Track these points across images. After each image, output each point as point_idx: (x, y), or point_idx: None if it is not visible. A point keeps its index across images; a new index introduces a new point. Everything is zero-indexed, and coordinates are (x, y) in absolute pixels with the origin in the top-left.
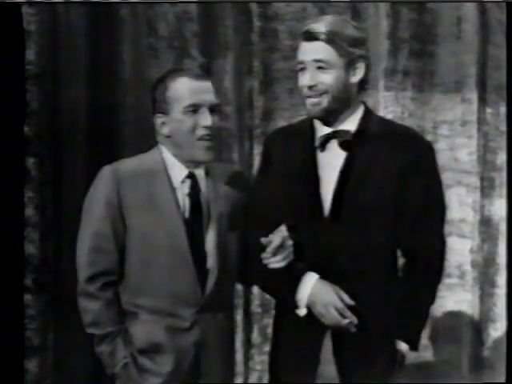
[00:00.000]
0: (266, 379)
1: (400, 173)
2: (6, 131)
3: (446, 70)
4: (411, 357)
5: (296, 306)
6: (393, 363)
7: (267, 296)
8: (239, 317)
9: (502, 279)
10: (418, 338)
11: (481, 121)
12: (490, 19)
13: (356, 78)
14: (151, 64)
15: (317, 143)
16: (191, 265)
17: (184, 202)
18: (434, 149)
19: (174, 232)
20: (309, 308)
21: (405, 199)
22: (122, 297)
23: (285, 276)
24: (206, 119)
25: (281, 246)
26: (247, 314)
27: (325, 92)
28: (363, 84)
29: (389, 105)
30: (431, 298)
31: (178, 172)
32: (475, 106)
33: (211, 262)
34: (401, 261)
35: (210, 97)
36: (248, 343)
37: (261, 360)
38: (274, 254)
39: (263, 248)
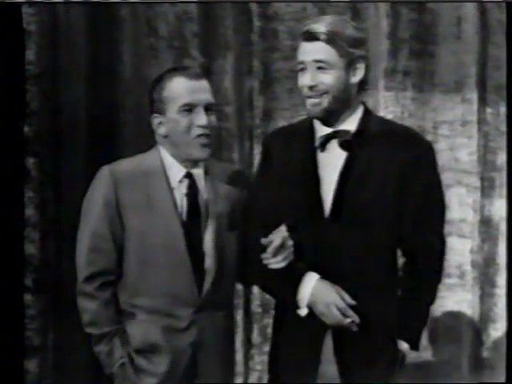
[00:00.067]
0: (266, 379)
1: (400, 173)
2: (6, 131)
3: (446, 70)
4: (411, 357)
5: (297, 306)
6: (394, 363)
7: (267, 296)
8: (239, 317)
9: (502, 279)
10: (419, 337)
11: (481, 121)
12: (490, 19)
13: (356, 78)
14: (151, 64)
15: (317, 143)
16: (188, 265)
17: (182, 202)
18: (434, 149)
19: (172, 232)
20: (310, 308)
21: (405, 199)
22: (120, 297)
23: (285, 276)
24: (201, 119)
25: (281, 247)
26: (247, 313)
27: (325, 92)
28: (363, 84)
29: (389, 105)
30: (431, 297)
31: (176, 172)
32: (475, 106)
33: (209, 262)
34: (401, 260)
35: (205, 96)
36: (248, 343)
37: (261, 360)
38: (275, 254)
39: (263, 248)
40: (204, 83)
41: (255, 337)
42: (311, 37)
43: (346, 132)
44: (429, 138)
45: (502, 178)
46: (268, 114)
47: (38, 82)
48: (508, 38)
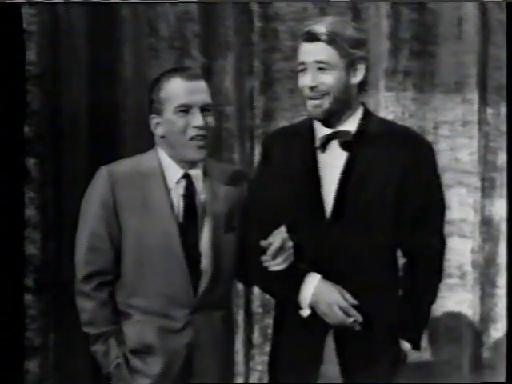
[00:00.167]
0: (266, 379)
1: (400, 173)
2: (7, 131)
3: (447, 70)
4: (411, 357)
5: (299, 307)
6: (395, 363)
7: (268, 296)
8: (240, 317)
9: (502, 280)
10: (420, 337)
11: (481, 121)
12: (491, 19)
13: (356, 78)
14: (152, 64)
15: (317, 144)
16: (184, 266)
17: (179, 203)
18: (434, 149)
19: (168, 233)
20: (312, 308)
21: (405, 199)
22: (118, 297)
23: (287, 277)
24: (197, 119)
25: (281, 248)
26: (248, 314)
27: (326, 93)
28: (363, 85)
29: (389, 105)
30: (432, 297)
31: (174, 173)
32: (476, 106)
33: (205, 262)
34: (401, 260)
35: (201, 97)
36: (249, 343)
37: (261, 360)
38: (274, 256)
39: (263, 249)
40: (201, 84)
41: (256, 337)
42: (312, 37)
43: (346, 133)
44: (429, 138)
45: (502, 179)
46: (269, 114)
47: (38, 82)
48: (508, 38)
